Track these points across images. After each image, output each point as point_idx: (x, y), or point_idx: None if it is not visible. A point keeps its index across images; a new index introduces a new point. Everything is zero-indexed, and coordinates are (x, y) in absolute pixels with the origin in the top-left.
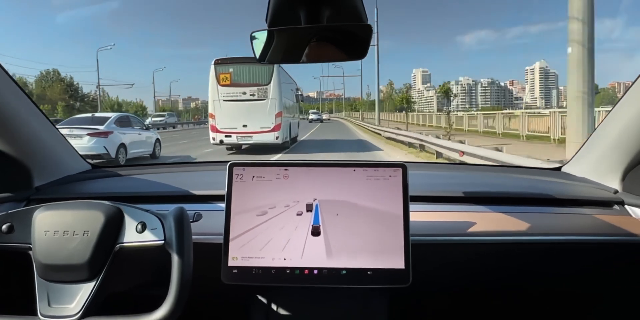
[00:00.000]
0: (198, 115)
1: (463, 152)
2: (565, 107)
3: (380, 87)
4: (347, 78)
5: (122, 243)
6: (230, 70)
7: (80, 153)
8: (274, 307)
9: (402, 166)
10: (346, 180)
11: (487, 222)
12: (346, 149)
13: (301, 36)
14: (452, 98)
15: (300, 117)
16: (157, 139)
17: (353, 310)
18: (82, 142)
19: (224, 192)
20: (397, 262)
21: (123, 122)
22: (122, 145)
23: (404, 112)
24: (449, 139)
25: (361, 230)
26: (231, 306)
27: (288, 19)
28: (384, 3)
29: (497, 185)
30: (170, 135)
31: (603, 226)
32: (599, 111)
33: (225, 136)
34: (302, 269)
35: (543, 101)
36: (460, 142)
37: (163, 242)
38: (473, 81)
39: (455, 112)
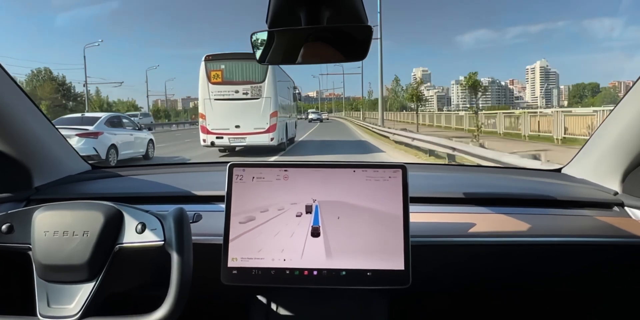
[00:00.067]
0: (196, 115)
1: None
2: (567, 107)
3: (385, 84)
4: (347, 78)
5: (122, 243)
6: (222, 67)
7: None
8: (273, 307)
9: (402, 167)
10: (346, 181)
11: (487, 223)
12: (347, 151)
13: (301, 37)
14: (480, 93)
15: (298, 117)
16: (151, 140)
17: (353, 310)
18: (70, 143)
19: (223, 192)
20: (397, 263)
21: (114, 123)
22: (113, 146)
23: (406, 111)
24: (481, 145)
25: (361, 231)
26: (231, 307)
27: (288, 20)
28: (384, 3)
29: (497, 187)
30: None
31: (603, 228)
32: (602, 110)
33: (217, 138)
34: (301, 270)
35: (544, 100)
36: (482, 146)
37: (163, 242)
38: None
39: (457, 111)
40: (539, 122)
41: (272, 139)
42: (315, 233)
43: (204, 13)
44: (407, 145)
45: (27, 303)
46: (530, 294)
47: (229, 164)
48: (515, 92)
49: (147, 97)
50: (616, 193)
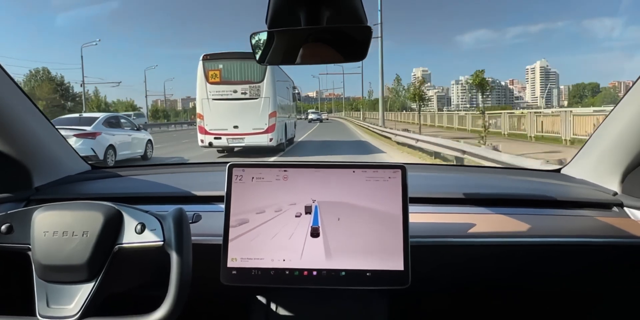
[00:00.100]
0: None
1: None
2: (567, 107)
3: (385, 84)
4: (347, 78)
5: (122, 244)
6: (220, 66)
7: None
8: (273, 307)
9: (402, 167)
10: (345, 182)
11: (486, 223)
12: (347, 152)
13: (301, 37)
14: (487, 92)
15: (298, 117)
16: (149, 140)
17: (353, 310)
18: None
19: (223, 193)
20: (396, 263)
21: (112, 123)
22: (111, 146)
23: (406, 111)
24: (495, 149)
25: (360, 232)
26: (231, 307)
27: (288, 21)
28: (384, 3)
29: (497, 187)
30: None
31: (602, 228)
32: (602, 110)
33: (215, 138)
34: (301, 270)
35: (544, 100)
36: (496, 149)
37: (162, 242)
38: None
39: (457, 111)
40: (542, 122)
41: (270, 140)
42: (314, 233)
43: (203, 13)
44: (410, 146)
45: (26, 303)
46: (529, 294)
47: (228, 164)
48: (515, 92)
49: (146, 97)
50: (615, 193)
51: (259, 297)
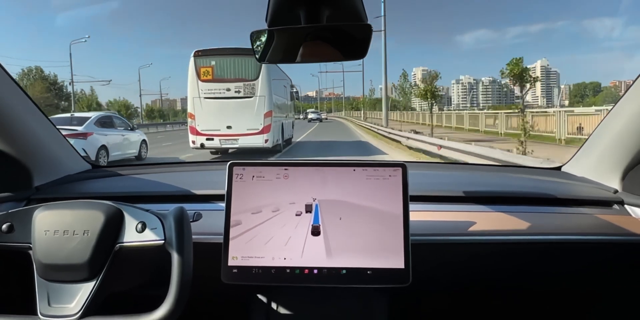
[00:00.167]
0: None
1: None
2: (569, 106)
3: (389, 81)
4: (347, 78)
5: (122, 243)
6: (213, 63)
7: None
8: (274, 306)
9: (402, 166)
10: (346, 180)
11: (487, 221)
12: (347, 153)
13: (301, 36)
14: (531, 84)
15: (296, 117)
16: (144, 140)
17: (353, 309)
18: None
19: (224, 191)
20: (397, 261)
21: (105, 123)
22: (103, 147)
23: (406, 111)
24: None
25: (361, 230)
26: (231, 305)
27: (288, 19)
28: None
29: (497, 185)
30: None
31: (603, 226)
32: (603, 110)
33: (207, 139)
34: (302, 269)
35: (545, 100)
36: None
37: (163, 241)
38: (474, 80)
39: (457, 111)
40: (577, 122)
41: (266, 141)
42: (315, 232)
43: (203, 12)
44: (426, 152)
45: (27, 302)
46: (530, 293)
47: (229, 163)
48: (516, 92)
49: (140, 96)
50: (616, 191)
51: (260, 296)
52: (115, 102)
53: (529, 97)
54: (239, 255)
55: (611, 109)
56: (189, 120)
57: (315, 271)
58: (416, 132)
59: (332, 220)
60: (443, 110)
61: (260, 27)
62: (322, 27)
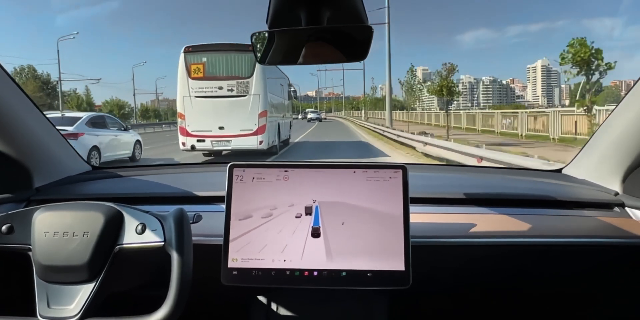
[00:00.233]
0: None
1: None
2: (571, 106)
3: (398, 76)
4: (347, 77)
5: (122, 244)
6: (204, 59)
7: None
8: (274, 308)
9: (402, 168)
10: (346, 182)
11: (487, 223)
12: (348, 155)
13: (301, 37)
14: (603, 72)
15: (294, 117)
16: (138, 141)
17: (353, 311)
18: None
19: (224, 193)
20: (397, 263)
21: (97, 123)
22: (95, 148)
23: (405, 111)
24: None
25: (361, 232)
26: (231, 307)
27: (288, 20)
28: (384, 2)
29: (498, 187)
30: None
31: (603, 228)
32: (605, 110)
33: (198, 140)
34: (302, 271)
35: (545, 99)
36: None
37: (163, 243)
38: (475, 79)
39: (461, 111)
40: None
41: (261, 142)
42: (315, 234)
43: (203, 12)
44: (461, 165)
45: (27, 304)
46: (530, 295)
47: (229, 165)
48: (516, 91)
49: (134, 95)
50: (617, 193)
51: (260, 298)
52: (111, 101)
53: (529, 97)
54: (238, 257)
55: (612, 111)
56: (179, 120)
57: (315, 273)
58: (425, 134)
59: (332, 222)
60: (443, 110)
61: (260, 27)
62: (323, 28)
